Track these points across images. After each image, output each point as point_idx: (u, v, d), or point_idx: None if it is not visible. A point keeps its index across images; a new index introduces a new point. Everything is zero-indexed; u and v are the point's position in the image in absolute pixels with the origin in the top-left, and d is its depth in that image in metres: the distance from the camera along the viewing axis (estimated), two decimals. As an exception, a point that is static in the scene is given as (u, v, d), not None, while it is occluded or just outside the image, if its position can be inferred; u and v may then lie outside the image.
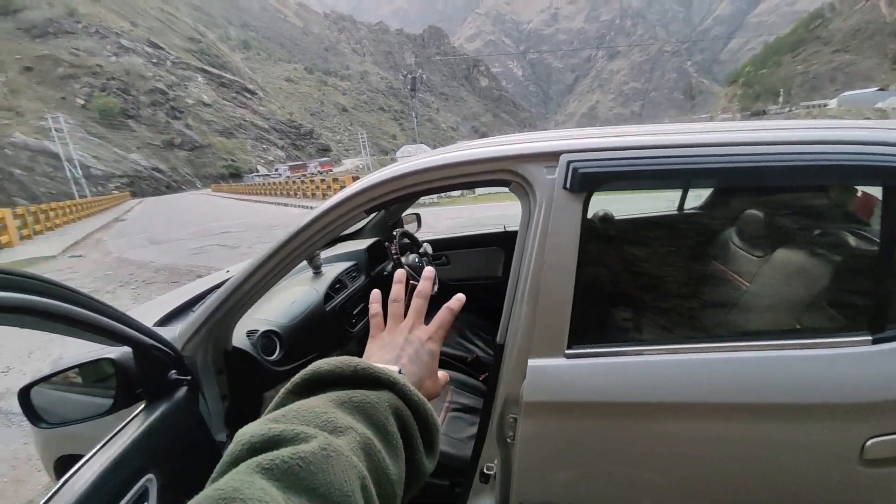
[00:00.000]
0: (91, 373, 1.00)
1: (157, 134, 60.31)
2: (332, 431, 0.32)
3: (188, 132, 64.07)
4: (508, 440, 1.00)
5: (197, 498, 0.25)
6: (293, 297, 1.62)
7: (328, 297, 1.73)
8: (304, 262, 1.88)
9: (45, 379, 0.89)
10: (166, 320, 1.39)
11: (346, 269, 1.97)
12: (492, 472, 1.04)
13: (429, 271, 0.54)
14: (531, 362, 0.94)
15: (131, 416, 0.96)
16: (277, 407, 0.36)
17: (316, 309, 1.62)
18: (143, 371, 0.96)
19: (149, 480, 0.89)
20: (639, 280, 1.31)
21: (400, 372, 0.42)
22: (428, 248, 2.24)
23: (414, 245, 2.19)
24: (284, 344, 1.41)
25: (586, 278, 1.00)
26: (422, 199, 14.71)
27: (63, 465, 1.30)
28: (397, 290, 0.53)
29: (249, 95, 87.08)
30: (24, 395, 0.85)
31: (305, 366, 1.23)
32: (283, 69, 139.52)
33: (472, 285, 2.37)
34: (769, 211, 1.48)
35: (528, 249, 0.97)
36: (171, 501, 0.92)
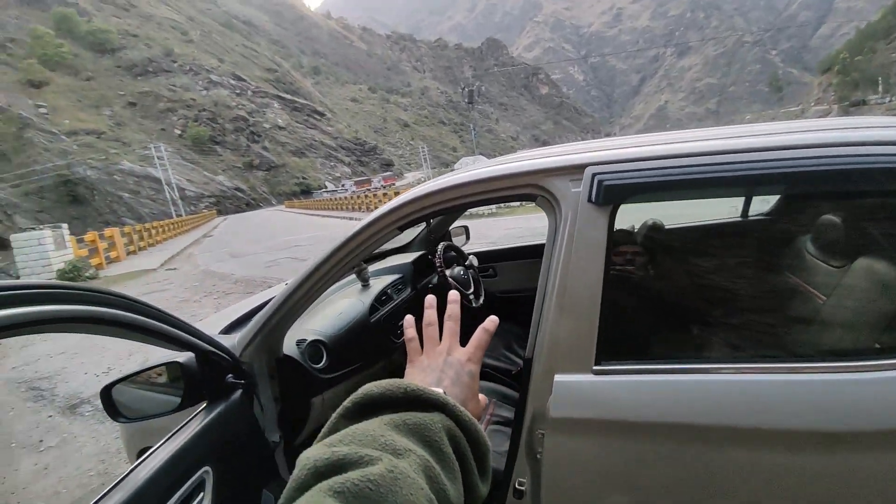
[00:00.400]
0: (163, 374, 1.14)
1: (239, 157, 66.45)
2: (392, 453, 0.31)
3: (265, 154, 69.88)
4: (538, 456, 0.99)
5: None
6: (340, 308, 1.71)
7: (373, 308, 1.81)
8: (354, 276, 1.99)
9: (124, 379, 1.03)
10: (230, 329, 1.53)
11: (393, 282, 2.05)
12: (524, 488, 1.03)
13: (453, 295, 0.55)
14: (557, 377, 0.93)
15: (193, 414, 1.08)
16: (331, 431, 0.36)
17: (361, 320, 1.70)
18: (204, 374, 1.08)
19: (205, 472, 1.00)
20: (685, 293, 1.24)
21: (444, 394, 0.41)
22: (474, 260, 2.27)
23: (460, 257, 2.23)
24: (330, 353, 1.50)
25: (619, 292, 0.97)
26: (480, 210, 14.79)
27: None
28: (430, 314, 0.53)
29: (319, 117, 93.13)
30: (106, 392, 0.99)
31: (350, 374, 1.30)
32: (349, 90, 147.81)
33: (520, 297, 2.36)
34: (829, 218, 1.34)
35: (554, 263, 0.97)
36: (224, 492, 1.03)
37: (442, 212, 1.13)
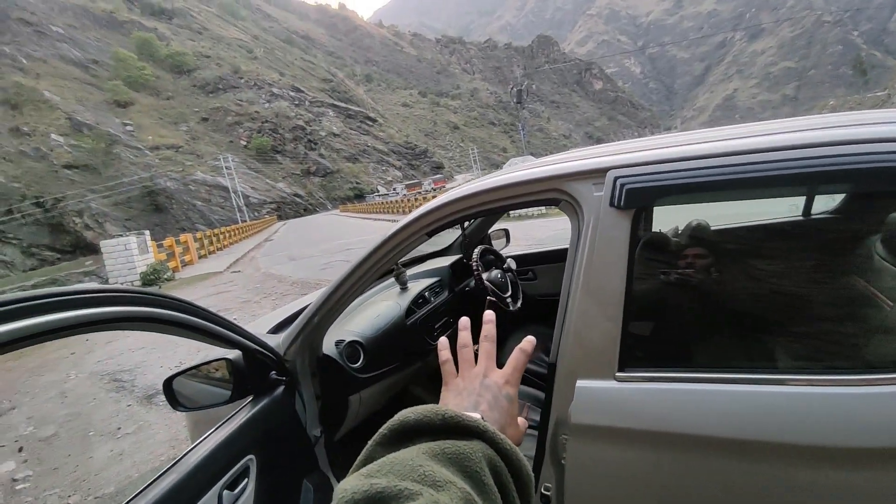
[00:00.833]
0: (216, 369, 1.26)
1: (298, 164, 70.29)
2: (431, 486, 0.30)
3: (321, 160, 73.30)
4: (562, 461, 0.99)
5: None
6: (378, 311, 1.79)
7: (410, 311, 1.86)
8: (393, 279, 2.05)
9: (183, 372, 1.15)
10: (278, 328, 1.65)
11: (430, 285, 2.09)
12: (549, 493, 1.03)
13: (488, 315, 0.52)
14: (579, 383, 0.92)
15: (240, 407, 1.18)
16: (368, 459, 0.35)
17: (397, 322, 1.76)
18: (250, 370, 1.18)
19: (250, 460, 1.09)
20: (724, 298, 1.17)
21: (482, 419, 0.39)
22: (512, 263, 2.26)
23: (497, 260, 2.23)
24: (367, 353, 1.57)
25: (645, 297, 0.95)
26: (530, 211, 14.57)
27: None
28: (465, 336, 0.51)
29: (371, 123, 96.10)
30: (168, 384, 1.11)
31: (385, 374, 1.37)
32: (400, 96, 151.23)
33: (558, 300, 2.32)
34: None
35: (577, 267, 0.96)
36: (266, 480, 1.11)
37: (468, 217, 1.15)
